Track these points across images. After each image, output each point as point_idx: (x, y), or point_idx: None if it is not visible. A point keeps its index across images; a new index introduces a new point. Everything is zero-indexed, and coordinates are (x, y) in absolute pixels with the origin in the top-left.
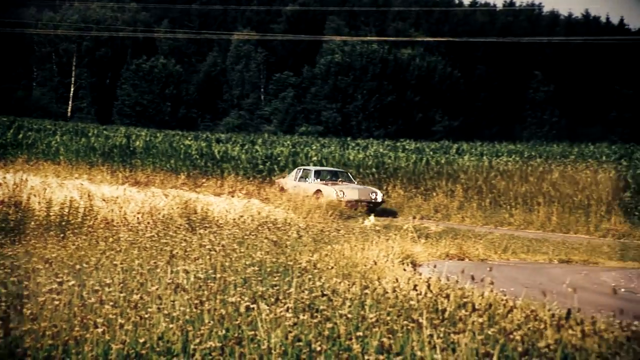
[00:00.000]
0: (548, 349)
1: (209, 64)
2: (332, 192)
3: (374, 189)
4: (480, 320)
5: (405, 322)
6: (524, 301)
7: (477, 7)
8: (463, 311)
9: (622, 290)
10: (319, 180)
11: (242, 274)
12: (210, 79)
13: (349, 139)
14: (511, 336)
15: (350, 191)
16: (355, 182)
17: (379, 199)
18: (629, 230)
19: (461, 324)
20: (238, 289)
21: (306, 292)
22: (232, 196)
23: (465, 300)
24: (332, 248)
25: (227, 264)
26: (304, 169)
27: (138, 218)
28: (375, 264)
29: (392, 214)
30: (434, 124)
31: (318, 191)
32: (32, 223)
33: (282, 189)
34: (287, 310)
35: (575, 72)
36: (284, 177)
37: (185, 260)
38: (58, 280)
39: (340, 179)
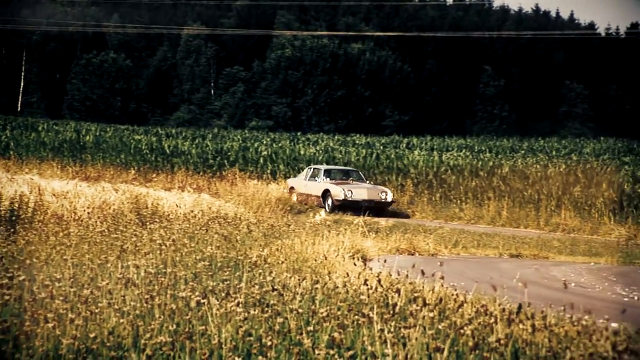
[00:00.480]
0: (498, 344)
1: (159, 59)
2: (340, 191)
3: (384, 188)
4: (431, 314)
5: (356, 316)
6: (475, 296)
7: (427, 2)
8: (414, 306)
9: (572, 284)
10: (328, 179)
11: (193, 269)
12: (161, 73)
13: (299, 133)
14: (462, 331)
15: (359, 190)
16: (367, 182)
17: (389, 199)
18: (578, 225)
19: (412, 318)
20: (189, 283)
21: (257, 286)
22: (183, 191)
23: (415, 294)
24: (283, 243)
25: (177, 258)
26: (314, 168)
27: (88, 213)
28: (326, 258)
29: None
30: (384, 118)
31: (326, 191)
32: None
33: (291, 190)
34: (238, 305)
35: (525, 67)
36: (295, 177)
37: (136, 255)
38: (8, 275)
39: (351, 178)
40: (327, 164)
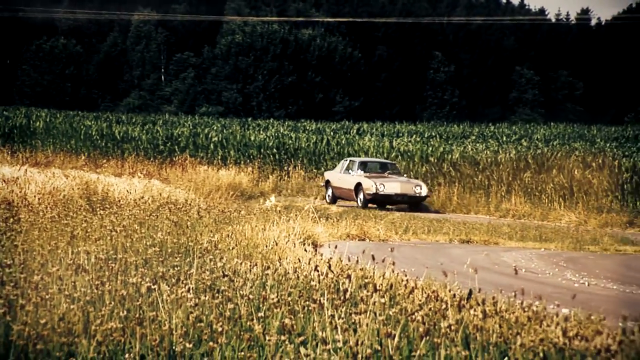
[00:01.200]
0: (449, 329)
1: (109, 44)
2: (372, 185)
3: (418, 182)
4: (382, 300)
5: (307, 302)
6: (425, 281)
7: None
8: (364, 292)
9: (523, 270)
10: (362, 172)
11: (143, 255)
12: (111, 59)
13: (249, 119)
14: (413, 317)
15: (392, 184)
16: (404, 175)
17: (424, 193)
18: (529, 211)
19: (362, 304)
20: (139, 269)
21: (207, 272)
22: (133, 177)
23: (366, 280)
24: (234, 229)
25: (128, 244)
26: (349, 160)
27: (39, 199)
28: (277, 244)
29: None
30: (335, 104)
31: (359, 184)
32: None
33: (327, 183)
34: (189, 291)
35: (476, 53)
36: (331, 170)
37: (86, 241)
38: None
39: (387, 171)
40: (366, 156)
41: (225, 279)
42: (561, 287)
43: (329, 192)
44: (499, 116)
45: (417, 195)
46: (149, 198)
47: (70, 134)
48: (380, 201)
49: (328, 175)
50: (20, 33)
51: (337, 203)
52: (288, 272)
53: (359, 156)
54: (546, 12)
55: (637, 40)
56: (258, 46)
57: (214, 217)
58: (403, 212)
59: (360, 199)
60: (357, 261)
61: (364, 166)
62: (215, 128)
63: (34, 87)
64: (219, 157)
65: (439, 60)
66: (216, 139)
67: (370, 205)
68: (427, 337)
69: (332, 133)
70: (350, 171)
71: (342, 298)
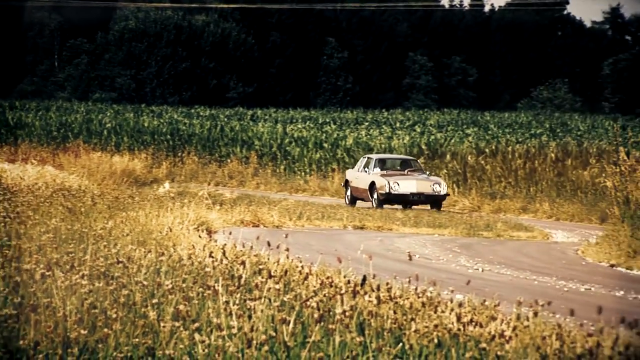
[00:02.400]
0: (344, 315)
1: (2, 30)
2: (385, 183)
3: (437, 179)
4: (277, 286)
5: (201, 289)
6: (320, 268)
7: None
8: (259, 278)
9: (417, 256)
10: (379, 170)
11: (37, 241)
12: (3, 45)
13: (143, 105)
14: (307, 303)
15: (407, 182)
16: (426, 173)
17: (443, 192)
18: None
19: (257, 290)
20: (33, 256)
21: (101, 259)
22: (26, 163)
23: (261, 267)
24: (128, 215)
25: (22, 231)
26: (367, 158)
27: None
28: (171, 230)
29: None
30: (229, 90)
31: (372, 183)
32: None
33: (346, 183)
34: (83, 277)
35: (369, 39)
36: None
37: None
38: None
39: (408, 169)
40: (385, 152)
41: (120, 265)
42: (455, 273)
43: (348, 192)
44: (393, 102)
45: (436, 194)
46: (42, 184)
47: None
48: (395, 201)
49: (348, 174)
50: None
51: (356, 204)
52: (182, 259)
53: (387, 152)
54: None
55: (530, 26)
56: (151, 32)
57: (107, 203)
58: (297, 199)
59: (374, 200)
60: (252, 247)
61: (382, 164)
62: (108, 114)
63: None
64: (113, 144)
65: (333, 46)
66: (110, 125)
67: (389, 206)
68: (322, 323)
69: (225, 119)
70: (367, 169)
71: (236, 284)
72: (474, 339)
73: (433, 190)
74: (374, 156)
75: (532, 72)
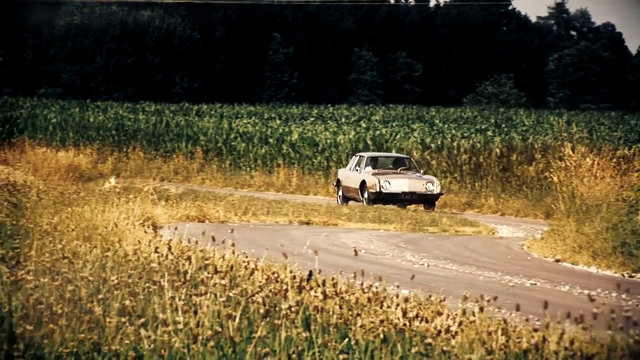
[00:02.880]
0: (290, 311)
1: None
2: (375, 182)
3: (431, 178)
4: (222, 282)
5: (147, 284)
6: (266, 263)
7: None
8: (205, 273)
9: (363, 251)
10: (370, 168)
11: None
12: None
13: (88, 101)
14: (253, 298)
15: (398, 181)
16: (420, 171)
17: (436, 191)
18: None
19: (203, 286)
20: None
21: (47, 254)
22: None
23: (206, 262)
24: (73, 210)
25: None
26: (359, 156)
27: None
28: (116, 226)
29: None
30: (174, 85)
31: (363, 182)
32: None
33: (338, 182)
34: (28, 273)
35: (315, 34)
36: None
37: None
38: None
39: (402, 167)
40: (378, 150)
41: (65, 261)
42: (401, 268)
43: (339, 192)
44: (338, 97)
45: (429, 193)
46: None
47: None
48: (386, 200)
49: (339, 173)
50: None
51: (348, 204)
52: (128, 254)
53: (367, 151)
54: None
55: (475, 21)
56: (97, 27)
57: (53, 199)
58: (242, 195)
59: (365, 199)
60: (197, 243)
61: (374, 162)
62: (53, 110)
63: None
64: (58, 139)
65: (278, 41)
66: (55, 120)
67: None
68: (268, 319)
69: (171, 115)
70: (358, 168)
71: (182, 280)
72: (420, 334)
73: (426, 189)
74: (366, 154)
75: (478, 68)
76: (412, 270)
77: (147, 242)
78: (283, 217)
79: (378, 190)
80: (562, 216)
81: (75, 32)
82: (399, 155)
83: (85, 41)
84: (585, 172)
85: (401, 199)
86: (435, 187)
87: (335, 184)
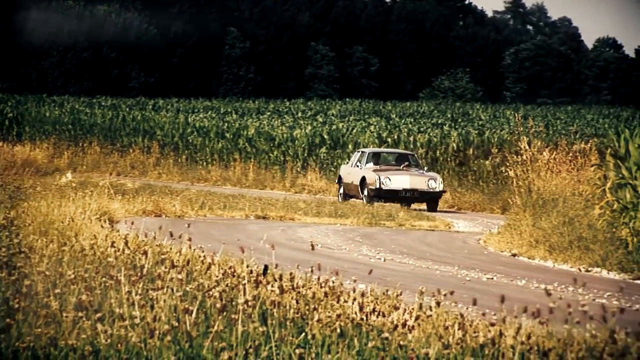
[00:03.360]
0: (246, 305)
1: None
2: (376, 179)
3: (433, 174)
4: (179, 276)
5: (104, 279)
6: (222, 257)
7: None
8: (162, 268)
9: (319, 246)
10: (372, 164)
11: None
12: None
13: (44, 95)
14: (210, 293)
15: (399, 178)
16: (424, 169)
17: (439, 188)
18: (324, 186)
19: (160, 280)
20: None
21: (3, 249)
22: None
23: (163, 256)
24: (29, 205)
25: None
26: (361, 152)
27: None
28: (73, 220)
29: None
30: (130, 80)
31: (363, 179)
32: None
33: (339, 179)
34: None
35: (271, 29)
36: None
37: None
38: None
39: (405, 163)
40: (381, 146)
41: (22, 255)
42: (357, 262)
43: (341, 189)
44: (295, 92)
45: (431, 190)
46: None
47: None
48: (386, 197)
49: (341, 170)
50: None
51: (349, 201)
52: (85, 249)
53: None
54: None
55: (432, 15)
56: (53, 22)
57: (9, 193)
58: (199, 189)
59: (365, 196)
60: (154, 237)
61: (375, 158)
62: (10, 104)
63: None
64: (14, 134)
65: (235, 36)
66: (11, 115)
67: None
68: (224, 313)
69: (127, 109)
70: (359, 164)
71: (139, 274)
72: (376, 329)
73: (428, 186)
74: (367, 150)
75: (434, 62)
76: (369, 265)
77: (103, 236)
78: (240, 212)
79: (378, 186)
80: (518, 210)
81: (32, 26)
82: (402, 151)
83: (42, 35)
84: (542, 167)
85: (402, 197)
86: (437, 185)
87: (337, 181)
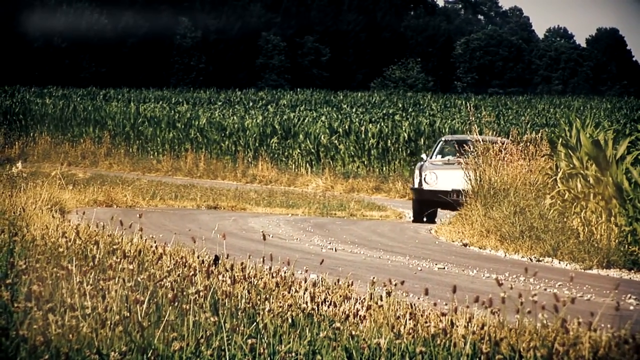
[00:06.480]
0: (198, 295)
1: None
2: (416, 175)
3: None
4: (131, 267)
5: (55, 269)
6: (174, 248)
7: None
8: (113, 258)
9: (271, 236)
10: (440, 157)
11: None
12: None
13: None
14: (161, 283)
15: (449, 174)
16: None
17: None
18: (276, 176)
19: (111, 270)
20: None
21: None
22: None
23: (115, 247)
24: None
25: None
26: (439, 141)
27: None
28: (24, 211)
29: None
30: (82, 70)
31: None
32: None
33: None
34: None
35: (222, 19)
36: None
37: None
38: None
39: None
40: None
41: None
42: (309, 252)
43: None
44: (246, 82)
45: None
46: None
47: None
48: (430, 203)
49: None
50: None
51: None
52: (36, 239)
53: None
54: None
55: (383, 5)
56: (2, 11)
57: None
58: (150, 179)
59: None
60: (105, 227)
61: (443, 149)
62: None
63: None
64: None
65: (186, 26)
66: None
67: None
68: (176, 303)
69: (78, 99)
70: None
71: (90, 264)
72: (328, 319)
73: None
74: (445, 137)
75: (385, 52)
76: (321, 255)
77: (55, 227)
78: (191, 202)
79: (417, 186)
80: (470, 200)
81: None
82: (463, 137)
83: None
84: (493, 156)
85: (448, 202)
86: None
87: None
